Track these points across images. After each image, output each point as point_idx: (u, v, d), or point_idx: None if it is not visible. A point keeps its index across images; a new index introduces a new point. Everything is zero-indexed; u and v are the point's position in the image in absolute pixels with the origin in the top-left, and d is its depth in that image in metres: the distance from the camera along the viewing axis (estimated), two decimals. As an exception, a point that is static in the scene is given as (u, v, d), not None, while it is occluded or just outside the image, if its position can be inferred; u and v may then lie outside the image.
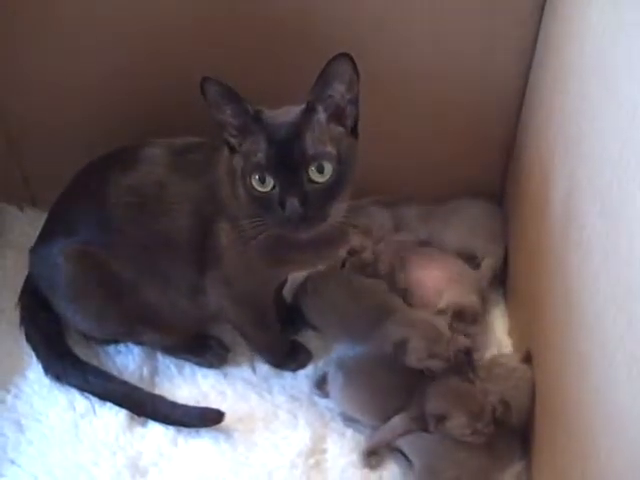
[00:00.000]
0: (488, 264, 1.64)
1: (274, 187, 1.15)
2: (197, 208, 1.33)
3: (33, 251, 1.49)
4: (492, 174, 1.73)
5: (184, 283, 1.40)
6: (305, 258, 1.35)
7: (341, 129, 1.19)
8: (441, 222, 1.70)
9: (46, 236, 1.48)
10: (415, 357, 1.39)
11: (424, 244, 1.69)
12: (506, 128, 1.61)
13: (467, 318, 1.52)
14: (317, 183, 1.15)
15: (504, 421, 1.37)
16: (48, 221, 1.51)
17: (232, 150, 1.22)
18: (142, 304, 1.43)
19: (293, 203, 1.13)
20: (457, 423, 1.33)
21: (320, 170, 1.14)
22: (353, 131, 1.22)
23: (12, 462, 1.39)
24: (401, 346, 1.39)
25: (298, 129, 1.15)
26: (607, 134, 1.04)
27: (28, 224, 1.76)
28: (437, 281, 1.57)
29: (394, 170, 1.66)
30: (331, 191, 1.16)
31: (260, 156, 1.15)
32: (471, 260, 1.64)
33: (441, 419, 1.34)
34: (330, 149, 1.15)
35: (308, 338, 1.60)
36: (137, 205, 1.36)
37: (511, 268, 1.65)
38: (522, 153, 1.57)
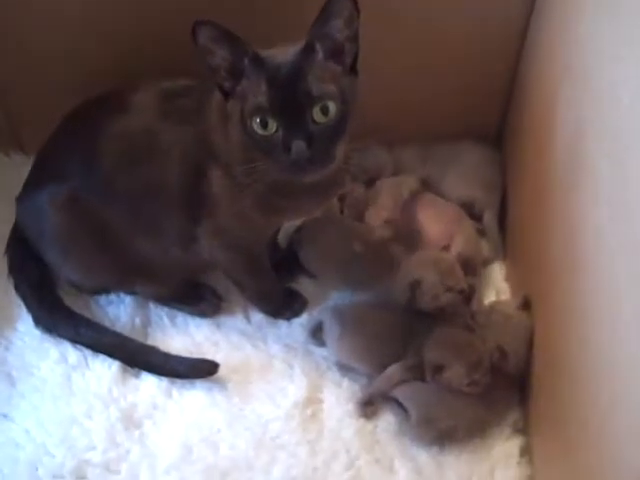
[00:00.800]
0: (490, 218, 1.61)
1: (277, 130, 1.11)
2: (188, 155, 1.28)
3: (19, 199, 1.46)
4: (492, 115, 1.68)
5: (176, 231, 1.37)
6: (300, 205, 1.32)
7: (339, 67, 1.14)
8: (438, 168, 1.66)
9: (33, 183, 1.44)
10: (432, 294, 1.38)
11: (425, 186, 1.66)
12: (507, 65, 1.56)
13: (469, 269, 1.49)
14: (321, 124, 1.11)
15: (500, 368, 1.36)
16: (35, 167, 1.46)
17: (226, 94, 1.17)
18: (133, 253, 1.40)
19: (299, 145, 1.09)
20: (455, 373, 1.32)
21: (324, 111, 1.10)
22: (352, 69, 1.17)
23: (4, 416, 1.38)
24: (416, 286, 1.38)
25: (299, 69, 1.10)
26: (618, 75, 1.00)
27: (15, 169, 1.69)
28: (441, 231, 1.54)
29: (393, 109, 1.57)
30: (336, 131, 1.13)
31: (261, 98, 1.10)
32: (469, 208, 1.61)
33: (439, 369, 1.33)
34: (333, 88, 1.11)
35: (303, 285, 1.58)
36: (126, 152, 1.31)
37: (510, 213, 1.61)
38: (523, 93, 1.52)
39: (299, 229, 1.54)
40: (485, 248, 1.60)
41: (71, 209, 1.35)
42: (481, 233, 1.61)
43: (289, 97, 1.09)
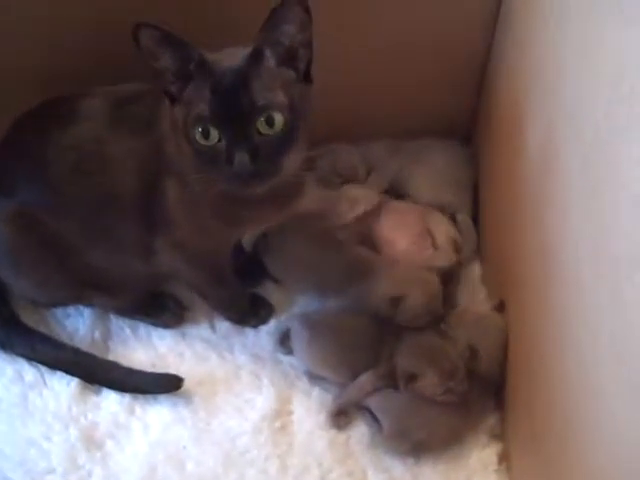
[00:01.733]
0: (464, 219, 1.56)
1: (220, 140, 1.05)
2: (142, 165, 1.22)
3: None
4: (461, 111, 1.63)
5: (133, 244, 1.30)
6: (262, 215, 1.26)
7: (292, 73, 1.08)
8: (407, 166, 1.60)
9: None
10: (413, 314, 1.34)
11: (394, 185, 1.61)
12: (476, 60, 1.50)
13: (450, 278, 1.47)
14: (267, 135, 1.04)
15: (473, 369, 1.31)
16: None
17: (173, 100, 1.10)
18: (89, 266, 1.33)
19: (242, 158, 1.03)
20: (428, 382, 1.28)
21: (270, 122, 1.04)
22: (306, 76, 1.10)
23: (-43, 439, 1.32)
24: (399, 303, 1.33)
25: (245, 76, 1.03)
26: (591, 82, 0.95)
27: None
28: (407, 246, 1.50)
29: (360, 106, 1.55)
30: (283, 143, 1.06)
31: (203, 106, 1.04)
32: (440, 211, 1.55)
33: (412, 378, 1.28)
34: (281, 98, 1.04)
35: (269, 291, 1.52)
36: (77, 163, 1.24)
37: (482, 212, 1.57)
38: (494, 89, 1.47)
39: (264, 234, 1.48)
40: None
41: (20, 223, 1.28)
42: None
43: (232, 106, 1.03)
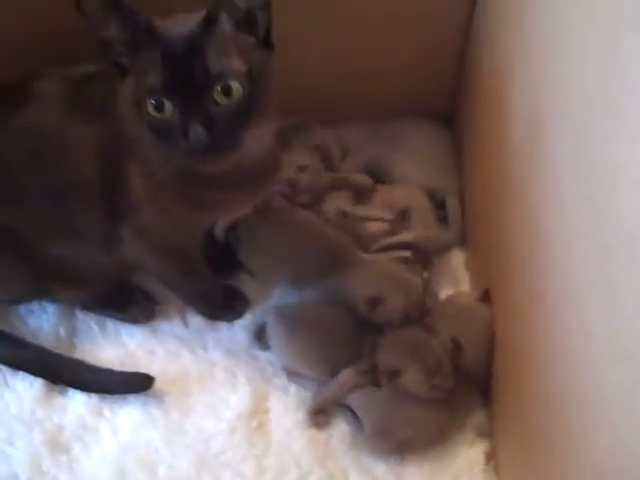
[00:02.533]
0: (453, 203, 1.50)
1: (174, 113, 0.98)
2: (101, 149, 1.15)
3: None
4: (442, 90, 1.57)
5: (95, 233, 1.24)
6: (231, 198, 1.18)
7: (252, 39, 1.01)
8: (388, 149, 1.54)
9: None
10: (389, 317, 1.28)
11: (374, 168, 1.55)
12: (457, 35, 1.45)
13: (423, 260, 1.41)
14: (224, 106, 0.97)
15: (456, 363, 1.26)
16: None
17: (124, 73, 1.03)
18: (49, 259, 1.27)
19: (197, 130, 0.96)
20: (412, 379, 1.22)
21: (226, 91, 0.97)
22: (267, 42, 1.04)
23: None
24: (375, 303, 1.27)
25: (198, 42, 0.96)
26: (581, 53, 0.89)
27: None
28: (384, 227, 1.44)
29: (335, 85, 1.49)
30: (242, 114, 0.99)
31: (154, 77, 0.96)
32: (429, 196, 1.50)
33: (394, 374, 1.22)
34: (238, 65, 0.97)
35: (244, 282, 1.46)
36: (33, 149, 1.17)
37: (466, 197, 1.51)
38: (475, 66, 1.41)
39: (236, 225, 1.41)
40: (445, 234, 1.50)
41: None
42: (441, 219, 1.51)
43: (185, 75, 0.95)
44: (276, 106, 1.06)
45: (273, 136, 1.12)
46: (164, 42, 0.96)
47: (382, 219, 1.44)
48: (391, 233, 1.43)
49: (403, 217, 1.44)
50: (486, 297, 1.31)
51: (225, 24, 0.98)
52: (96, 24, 0.97)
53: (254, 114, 1.00)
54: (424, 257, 1.41)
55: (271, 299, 1.44)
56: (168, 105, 0.97)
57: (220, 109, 0.97)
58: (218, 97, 0.96)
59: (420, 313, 1.30)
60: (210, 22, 0.97)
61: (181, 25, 0.98)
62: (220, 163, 1.02)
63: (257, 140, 1.04)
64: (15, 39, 1.31)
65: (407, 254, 1.40)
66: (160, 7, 1.00)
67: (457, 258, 1.49)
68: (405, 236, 1.42)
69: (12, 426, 1.28)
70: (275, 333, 1.32)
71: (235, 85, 0.97)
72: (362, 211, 1.45)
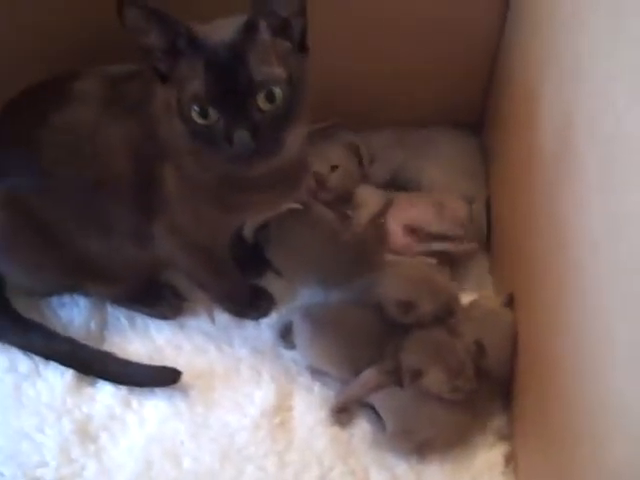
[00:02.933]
0: (479, 208, 1.51)
1: (219, 119, 1.00)
2: (136, 148, 1.18)
3: None
4: (471, 99, 1.58)
5: (128, 229, 1.27)
6: (263, 199, 1.21)
7: (288, 44, 1.03)
8: (416, 157, 1.56)
9: None
10: (419, 320, 1.30)
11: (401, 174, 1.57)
12: (488, 45, 1.46)
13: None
14: (267, 111, 1.00)
15: (479, 366, 1.27)
16: None
17: (163, 79, 1.05)
18: (83, 253, 1.30)
19: (242, 136, 0.98)
20: (434, 379, 1.23)
21: (270, 97, 0.99)
22: (302, 46, 1.06)
23: (-52, 430, 1.28)
24: (407, 307, 1.29)
25: (240, 50, 0.98)
26: (611, 69, 0.90)
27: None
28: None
29: (366, 92, 1.51)
30: (284, 118, 1.02)
31: (198, 85, 0.99)
32: None
33: (417, 374, 1.24)
34: (279, 71, 1.00)
35: (271, 282, 1.48)
36: (71, 146, 1.21)
37: (493, 204, 1.53)
38: (506, 77, 1.43)
39: (266, 225, 1.44)
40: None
41: (12, 209, 1.25)
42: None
43: (229, 84, 0.98)
44: (308, 107, 1.08)
45: (304, 138, 1.14)
46: (206, 50, 0.98)
47: (454, 237, 1.45)
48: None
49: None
50: (510, 301, 1.33)
51: (264, 31, 1.00)
52: (136, 31, 0.99)
53: (294, 117, 1.03)
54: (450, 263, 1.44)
55: (297, 299, 1.45)
56: (212, 112, 0.99)
57: (263, 115, 0.99)
58: (262, 103, 0.99)
59: (449, 314, 1.31)
60: (250, 29, 0.99)
61: (221, 32, 1.00)
62: (263, 166, 1.05)
63: (294, 142, 1.06)
64: (60, 39, 1.34)
65: (433, 261, 1.42)
66: (190, 12, 1.03)
67: (481, 263, 1.51)
68: (450, 246, 1.44)
69: (43, 414, 1.30)
70: (300, 332, 1.34)
71: (277, 91, 0.99)
72: (434, 227, 1.46)
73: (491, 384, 1.29)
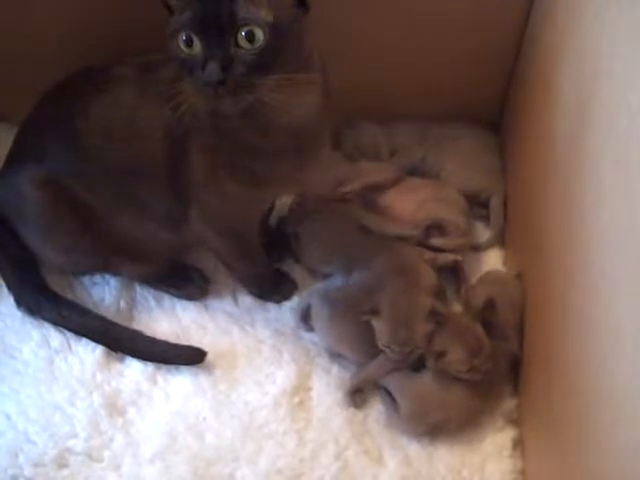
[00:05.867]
0: (496, 203, 1.56)
1: (200, 50, 1.04)
2: (169, 130, 1.23)
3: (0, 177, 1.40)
4: (491, 97, 1.62)
5: (162, 211, 1.32)
6: (281, 172, 1.24)
7: None
8: (436, 151, 1.61)
9: (13, 161, 1.39)
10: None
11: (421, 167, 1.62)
12: (509, 45, 1.50)
13: (450, 232, 1.49)
14: (246, 50, 1.02)
15: (490, 321, 1.33)
16: (15, 145, 1.41)
17: (171, 12, 1.09)
18: (117, 234, 1.36)
19: (213, 66, 1.02)
20: (456, 359, 1.29)
21: (249, 37, 1.02)
22: (303, 3, 1.09)
23: (-16, 401, 1.34)
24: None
25: None
26: (626, 73, 0.94)
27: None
28: (412, 202, 1.52)
29: (388, 87, 1.55)
30: (262, 62, 1.03)
31: (188, 14, 1.03)
32: (474, 198, 1.56)
33: (441, 354, 1.29)
34: (264, 14, 1.02)
35: (293, 267, 1.53)
36: (108, 130, 1.27)
37: (509, 198, 1.56)
38: (526, 76, 1.46)
39: (293, 216, 1.51)
40: (486, 233, 1.57)
41: (51, 190, 1.31)
42: (483, 218, 1.58)
43: (214, 16, 1.01)
44: (312, 71, 1.12)
45: (315, 105, 1.17)
46: None
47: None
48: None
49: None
50: (519, 276, 1.40)
51: None
52: None
53: (274, 65, 1.04)
54: (454, 229, 1.49)
55: (318, 283, 1.50)
56: (196, 42, 1.03)
57: (242, 52, 1.02)
58: (242, 41, 1.01)
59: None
60: None
61: None
62: (230, 103, 1.06)
63: (285, 97, 1.06)
64: (96, 31, 1.41)
65: (451, 257, 1.47)
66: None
67: (495, 256, 1.55)
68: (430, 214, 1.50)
69: (74, 388, 1.36)
70: (319, 315, 1.39)
71: (258, 32, 1.01)
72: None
73: (502, 369, 1.35)
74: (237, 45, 1.02)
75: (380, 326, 1.30)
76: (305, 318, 1.44)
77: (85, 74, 1.32)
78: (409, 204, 1.52)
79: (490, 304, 1.34)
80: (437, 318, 1.31)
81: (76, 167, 1.30)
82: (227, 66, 1.02)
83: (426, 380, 1.32)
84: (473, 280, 1.48)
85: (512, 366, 1.37)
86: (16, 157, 1.38)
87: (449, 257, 1.47)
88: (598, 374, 0.97)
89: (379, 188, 1.55)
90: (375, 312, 1.31)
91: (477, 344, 1.29)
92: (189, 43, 1.04)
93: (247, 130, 1.15)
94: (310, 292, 1.46)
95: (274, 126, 1.15)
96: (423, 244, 1.49)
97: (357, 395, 1.36)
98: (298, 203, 1.52)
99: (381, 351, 1.33)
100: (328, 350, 1.41)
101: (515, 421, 1.34)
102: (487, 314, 1.33)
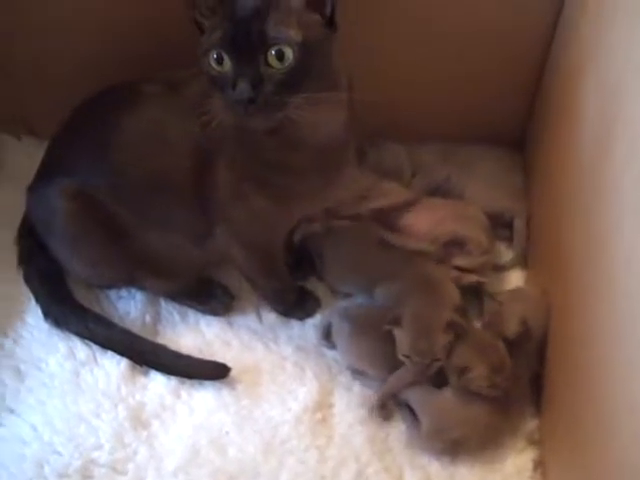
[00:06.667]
0: (520, 224, 1.57)
1: (231, 67, 1.07)
2: (197, 146, 1.25)
3: (30, 189, 1.43)
4: (515, 119, 1.63)
5: (188, 226, 1.35)
6: (308, 188, 1.26)
7: (317, 17, 1.09)
8: (459, 172, 1.62)
9: (43, 175, 1.42)
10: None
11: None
12: (533, 68, 1.51)
13: (471, 250, 1.49)
14: (276, 69, 1.05)
15: (522, 342, 1.34)
16: (45, 159, 1.44)
17: (202, 31, 1.12)
18: (143, 248, 1.38)
19: (244, 85, 1.04)
20: (478, 375, 1.29)
21: (279, 56, 1.04)
22: (332, 23, 1.11)
23: (11, 411, 1.36)
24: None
25: (262, 9, 1.05)
26: None
27: (26, 155, 1.68)
28: (431, 219, 1.53)
29: (410, 106, 1.57)
30: (291, 81, 1.06)
31: (219, 33, 1.06)
32: (497, 219, 1.57)
33: (464, 371, 1.30)
34: (294, 34, 1.05)
35: (317, 285, 1.55)
36: (137, 145, 1.30)
37: (532, 219, 1.57)
38: (549, 98, 1.47)
39: (317, 235, 1.52)
40: (508, 254, 1.58)
41: (81, 203, 1.33)
42: (506, 239, 1.59)
43: (245, 35, 1.04)
44: (340, 89, 1.14)
45: (341, 122, 1.20)
46: (236, 6, 1.05)
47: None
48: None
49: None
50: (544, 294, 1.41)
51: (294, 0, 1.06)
52: None
53: (303, 83, 1.06)
54: (476, 246, 1.50)
55: (341, 301, 1.52)
56: (227, 60, 1.05)
57: (271, 71, 1.04)
58: (271, 60, 1.04)
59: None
60: None
61: None
62: (260, 121, 1.09)
63: (313, 114, 1.09)
64: (127, 49, 1.44)
65: (484, 279, 1.49)
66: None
67: (518, 276, 1.55)
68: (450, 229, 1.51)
69: (99, 400, 1.37)
70: (340, 332, 1.40)
71: (288, 51, 1.04)
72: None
73: (523, 388, 1.35)
74: (267, 64, 1.04)
75: (401, 336, 1.32)
76: (327, 336, 1.45)
77: (114, 90, 1.35)
78: (428, 222, 1.53)
79: (525, 328, 1.34)
80: (456, 329, 1.32)
81: (105, 181, 1.32)
82: (257, 84, 1.04)
83: (447, 395, 1.33)
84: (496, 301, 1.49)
85: (534, 386, 1.37)
86: (46, 171, 1.41)
87: (473, 278, 1.48)
88: (624, 394, 0.97)
89: (397, 209, 1.56)
90: (397, 322, 1.32)
91: (499, 361, 1.30)
92: (220, 61, 1.06)
93: (275, 146, 1.17)
94: (331, 311, 1.48)
95: (301, 143, 1.17)
96: (445, 263, 1.49)
97: (380, 410, 1.37)
98: (321, 222, 1.54)
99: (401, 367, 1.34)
100: (349, 367, 1.42)
101: (536, 442, 1.34)
102: (521, 334, 1.34)
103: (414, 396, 1.35)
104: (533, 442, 1.35)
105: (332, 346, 1.44)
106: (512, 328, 1.35)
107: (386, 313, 1.37)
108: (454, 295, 1.41)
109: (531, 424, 1.36)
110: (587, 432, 1.11)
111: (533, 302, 1.40)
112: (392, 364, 1.36)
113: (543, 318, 1.36)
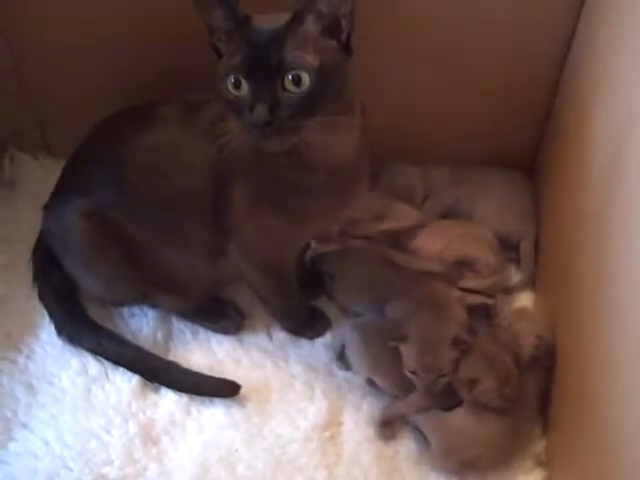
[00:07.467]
0: (527, 246, 1.58)
1: (248, 92, 1.08)
2: (212, 167, 1.28)
3: (46, 208, 1.46)
4: (526, 142, 1.65)
5: (201, 245, 1.36)
6: (322, 207, 1.28)
7: (333, 43, 1.11)
8: (469, 195, 1.64)
9: (60, 194, 1.44)
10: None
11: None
12: (544, 93, 1.53)
13: (480, 270, 1.51)
14: (293, 93, 1.07)
15: (539, 359, 1.36)
16: (62, 178, 1.47)
17: (220, 56, 1.14)
18: (156, 266, 1.40)
19: (261, 109, 1.06)
20: (487, 387, 1.30)
21: (296, 80, 1.06)
22: (347, 47, 1.13)
23: (24, 426, 1.38)
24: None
25: (280, 35, 1.07)
26: None
27: (43, 173, 1.72)
28: (440, 240, 1.55)
29: (421, 130, 1.58)
30: (308, 105, 1.08)
31: (238, 58, 1.08)
32: (505, 241, 1.58)
33: (473, 384, 1.31)
34: (311, 60, 1.07)
35: (327, 304, 1.56)
36: (152, 165, 1.32)
37: (541, 242, 1.58)
38: (560, 123, 1.49)
39: (328, 255, 1.54)
40: (517, 276, 1.59)
41: (96, 222, 1.35)
42: (514, 260, 1.60)
43: (262, 60, 1.06)
44: (354, 113, 1.17)
45: (355, 145, 1.22)
46: (254, 31, 1.07)
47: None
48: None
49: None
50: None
51: (311, 25, 1.08)
52: (205, 13, 1.10)
53: (319, 107, 1.08)
54: (484, 267, 1.52)
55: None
56: (244, 85, 1.07)
57: (288, 95, 1.06)
58: (288, 85, 1.06)
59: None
60: (297, 21, 1.08)
61: (273, 21, 1.09)
62: (277, 144, 1.11)
63: (328, 137, 1.11)
64: (148, 72, 1.47)
65: (490, 301, 1.50)
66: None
67: (526, 298, 1.56)
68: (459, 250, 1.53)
69: (110, 416, 1.38)
70: (351, 343, 1.42)
71: (305, 76, 1.06)
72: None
73: (531, 408, 1.36)
74: (284, 88, 1.06)
75: (407, 352, 1.33)
76: (340, 357, 1.46)
77: (131, 111, 1.38)
78: (437, 243, 1.55)
79: (540, 344, 1.36)
80: (462, 346, 1.33)
81: (121, 200, 1.34)
82: (274, 108, 1.06)
83: (458, 415, 1.33)
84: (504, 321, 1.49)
85: (541, 406, 1.37)
86: (63, 189, 1.43)
87: (479, 299, 1.49)
88: (631, 415, 0.98)
89: (409, 232, 1.58)
90: (403, 338, 1.34)
91: (506, 372, 1.31)
92: (237, 85, 1.08)
93: (290, 168, 1.19)
94: (342, 328, 1.49)
95: (316, 165, 1.19)
96: (453, 283, 1.51)
97: (386, 428, 1.38)
98: (334, 242, 1.56)
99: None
100: (363, 377, 1.42)
101: (544, 463, 1.35)
102: (539, 350, 1.36)
103: (422, 420, 1.36)
104: (541, 463, 1.35)
105: (346, 367, 1.45)
106: (528, 345, 1.36)
107: (395, 326, 1.39)
108: (460, 312, 1.42)
109: (539, 445, 1.36)
110: (594, 454, 1.12)
111: (542, 321, 1.41)
112: (404, 378, 1.36)
113: (552, 338, 1.37)
